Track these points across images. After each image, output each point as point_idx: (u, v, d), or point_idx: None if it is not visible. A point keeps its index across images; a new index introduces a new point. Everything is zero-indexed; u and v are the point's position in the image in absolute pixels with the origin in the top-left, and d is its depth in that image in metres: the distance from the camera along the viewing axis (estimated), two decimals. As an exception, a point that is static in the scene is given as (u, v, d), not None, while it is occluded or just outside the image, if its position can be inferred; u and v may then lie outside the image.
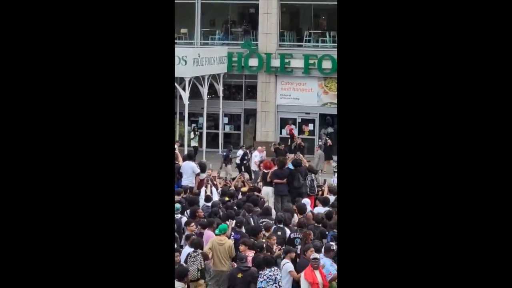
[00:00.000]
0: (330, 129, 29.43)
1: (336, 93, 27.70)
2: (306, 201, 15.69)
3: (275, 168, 17.95)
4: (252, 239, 12.16)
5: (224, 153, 24.47)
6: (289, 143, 26.29)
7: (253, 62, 29.41)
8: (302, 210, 14.34)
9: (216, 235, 12.18)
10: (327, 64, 28.58)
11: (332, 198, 15.97)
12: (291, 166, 18.04)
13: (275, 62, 29.20)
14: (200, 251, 11.55)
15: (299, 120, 29.69)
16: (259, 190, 17.84)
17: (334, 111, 28.62)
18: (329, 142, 26.37)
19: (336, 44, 28.33)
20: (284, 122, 29.88)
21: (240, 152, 24.02)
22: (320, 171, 22.87)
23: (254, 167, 22.80)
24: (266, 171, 18.18)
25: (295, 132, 29.08)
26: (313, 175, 18.23)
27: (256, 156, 23.08)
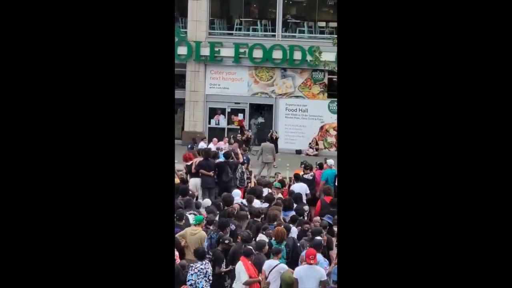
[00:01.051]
0: (260, 119, 29.16)
1: (267, 82, 28.23)
2: (237, 192, 15.35)
3: (199, 159, 17.38)
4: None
5: (189, 146, 23.15)
6: (238, 135, 25.63)
7: (182, 50, 28.58)
8: (227, 202, 13.94)
9: (193, 224, 12.23)
10: (258, 53, 28.18)
11: (265, 191, 15.76)
12: (222, 158, 17.58)
13: (205, 51, 28.57)
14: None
15: (229, 110, 29.12)
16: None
17: (264, 101, 28.85)
18: (276, 135, 25.90)
19: (266, 33, 28.65)
20: (213, 112, 29.33)
21: (202, 144, 22.77)
22: (266, 164, 22.17)
23: None
24: (187, 163, 17.63)
25: (223, 120, 28.60)
26: (243, 167, 17.89)
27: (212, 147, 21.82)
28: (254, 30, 29.36)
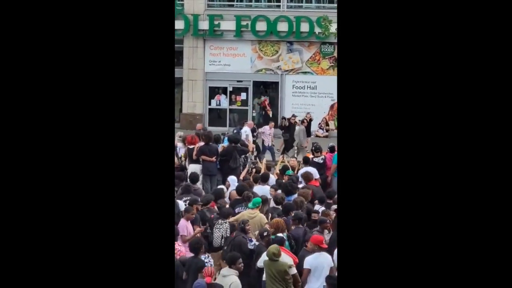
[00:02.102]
0: (263, 98, 28.83)
1: (271, 57, 28.16)
2: (232, 178, 15.09)
3: (200, 143, 16.73)
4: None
5: (235, 131, 22.24)
6: (287, 119, 24.59)
7: (179, 24, 27.67)
8: (239, 192, 13.42)
9: (249, 208, 12.45)
10: (261, 26, 27.63)
11: (272, 177, 15.55)
12: (226, 142, 17.06)
13: (203, 25, 28.02)
14: (229, 220, 11.93)
15: (230, 89, 28.74)
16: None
17: (269, 78, 28.53)
18: (310, 116, 25.60)
19: (270, 4, 28.41)
20: (213, 92, 28.96)
21: (246, 129, 21.82)
22: (302, 147, 21.67)
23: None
24: (190, 147, 16.99)
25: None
26: (249, 152, 17.65)
27: (246, 132, 21.13)
28: (257, 0, 28.89)
